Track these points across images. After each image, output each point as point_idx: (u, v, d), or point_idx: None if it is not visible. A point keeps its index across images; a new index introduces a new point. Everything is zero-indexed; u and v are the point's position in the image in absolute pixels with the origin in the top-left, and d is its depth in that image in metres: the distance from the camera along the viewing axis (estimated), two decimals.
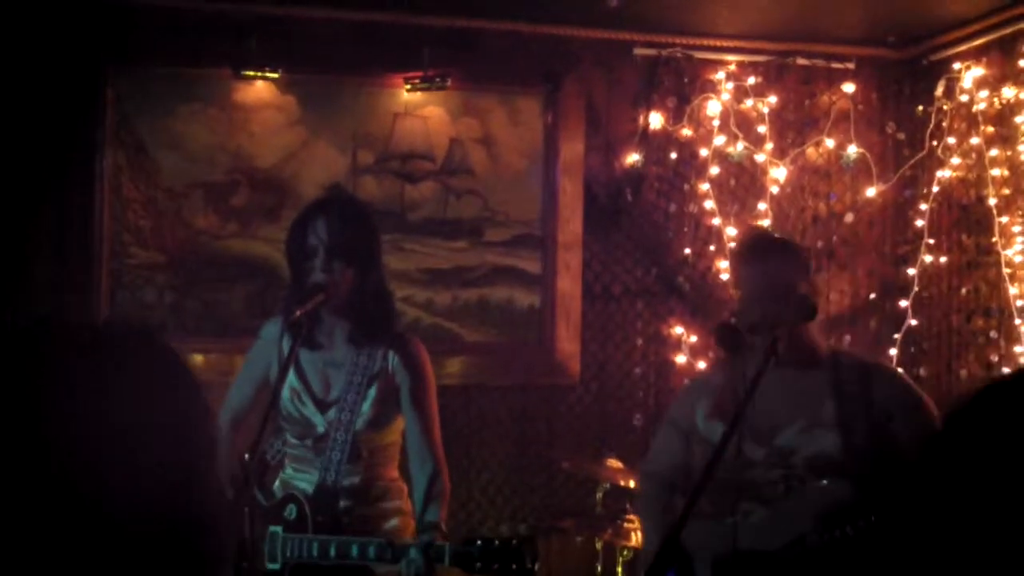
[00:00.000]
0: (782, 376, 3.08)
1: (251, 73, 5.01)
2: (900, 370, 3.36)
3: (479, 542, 2.91)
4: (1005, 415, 1.26)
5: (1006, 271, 4.89)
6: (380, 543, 3.02)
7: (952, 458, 1.31)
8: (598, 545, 4.69)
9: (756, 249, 3.27)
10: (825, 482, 3.01)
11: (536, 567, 2.89)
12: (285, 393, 3.27)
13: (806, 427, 3.11)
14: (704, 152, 5.46)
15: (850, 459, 3.03)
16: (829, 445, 3.06)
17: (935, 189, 5.34)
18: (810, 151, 5.61)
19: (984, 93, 5.05)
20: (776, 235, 3.62)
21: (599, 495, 4.68)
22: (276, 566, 3.10)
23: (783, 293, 3.09)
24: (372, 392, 3.29)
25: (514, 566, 2.87)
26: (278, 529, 3.13)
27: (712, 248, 5.48)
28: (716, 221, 5.47)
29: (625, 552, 4.54)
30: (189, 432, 1.10)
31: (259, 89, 5.12)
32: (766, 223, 5.49)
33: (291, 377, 3.26)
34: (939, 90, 5.31)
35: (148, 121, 5.03)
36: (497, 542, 2.91)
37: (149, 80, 5.03)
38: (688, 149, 5.48)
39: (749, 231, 3.99)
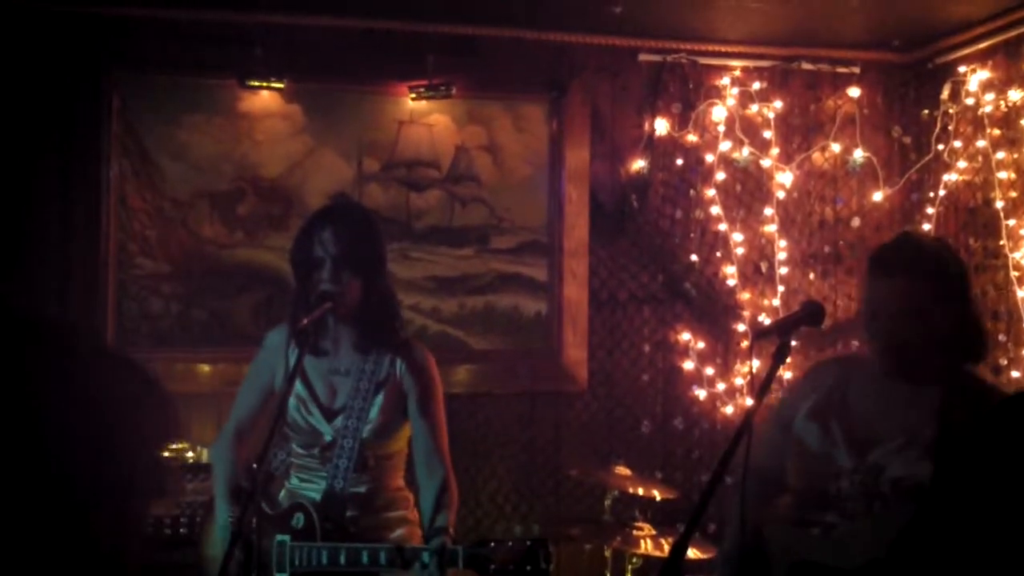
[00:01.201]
0: (892, 389, 2.98)
1: (256, 82, 5.01)
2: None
3: (492, 544, 2.90)
4: None
5: (1014, 274, 4.87)
6: (391, 548, 3.01)
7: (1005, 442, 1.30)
8: (607, 553, 4.67)
9: (892, 259, 2.96)
10: (908, 507, 2.87)
11: (550, 567, 2.87)
12: (291, 402, 3.26)
13: (902, 446, 2.96)
14: (710, 158, 5.46)
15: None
16: (920, 470, 2.87)
17: (942, 193, 5.33)
18: (816, 156, 5.60)
19: (990, 96, 5.04)
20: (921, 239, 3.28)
21: (607, 502, 4.66)
22: (284, 575, 3.09)
23: (922, 315, 2.87)
24: (379, 399, 3.28)
25: (528, 567, 2.86)
26: (286, 538, 3.12)
27: (719, 254, 5.47)
28: (722, 227, 5.46)
29: (634, 560, 4.53)
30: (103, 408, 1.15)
31: (264, 98, 5.12)
32: (773, 228, 5.48)
33: (297, 386, 3.26)
34: (945, 93, 5.30)
35: (153, 131, 5.04)
36: (511, 543, 2.90)
37: (154, 90, 5.04)
38: (694, 155, 5.47)
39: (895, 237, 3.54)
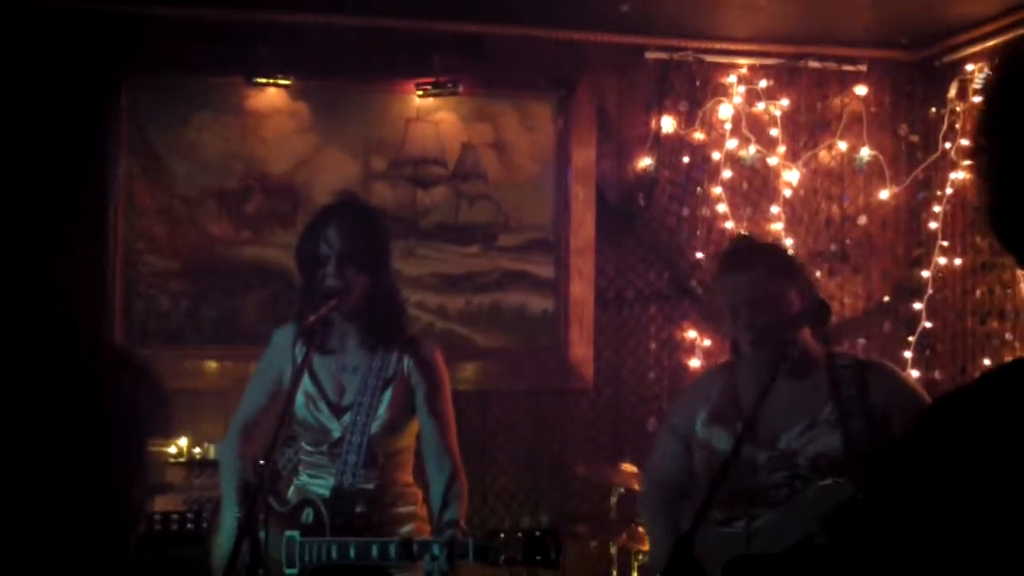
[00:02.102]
0: (779, 382, 3.08)
1: (263, 80, 5.03)
2: (896, 367, 3.33)
3: (502, 535, 2.91)
4: (989, 402, 1.26)
5: (1020, 273, 4.87)
6: (400, 542, 3.01)
7: (935, 442, 1.31)
8: (612, 550, 4.68)
9: (738, 257, 3.24)
10: (828, 481, 3.00)
11: (559, 557, 2.88)
12: (300, 399, 3.27)
13: (807, 428, 3.10)
14: (716, 156, 5.46)
15: (851, 458, 3.02)
16: (830, 445, 3.04)
17: (948, 191, 5.33)
18: (823, 154, 5.60)
19: None
20: (756, 241, 3.59)
21: (613, 500, 4.67)
22: (294, 571, 3.10)
23: (774, 299, 3.09)
24: (387, 396, 3.29)
25: (538, 557, 2.87)
26: (295, 534, 3.13)
27: None
28: (729, 224, 5.46)
29: (640, 556, 4.54)
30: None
31: (271, 96, 5.13)
32: (779, 226, 5.48)
33: (305, 383, 3.27)
34: (952, 92, 5.30)
35: (161, 129, 5.06)
36: (520, 534, 2.90)
37: (162, 89, 5.06)
38: (700, 153, 5.48)
39: (732, 240, 3.95)
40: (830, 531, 2.92)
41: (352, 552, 3.04)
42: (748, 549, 3.02)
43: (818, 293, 3.29)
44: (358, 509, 3.24)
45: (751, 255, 3.20)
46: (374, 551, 3.01)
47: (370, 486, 3.28)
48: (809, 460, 3.07)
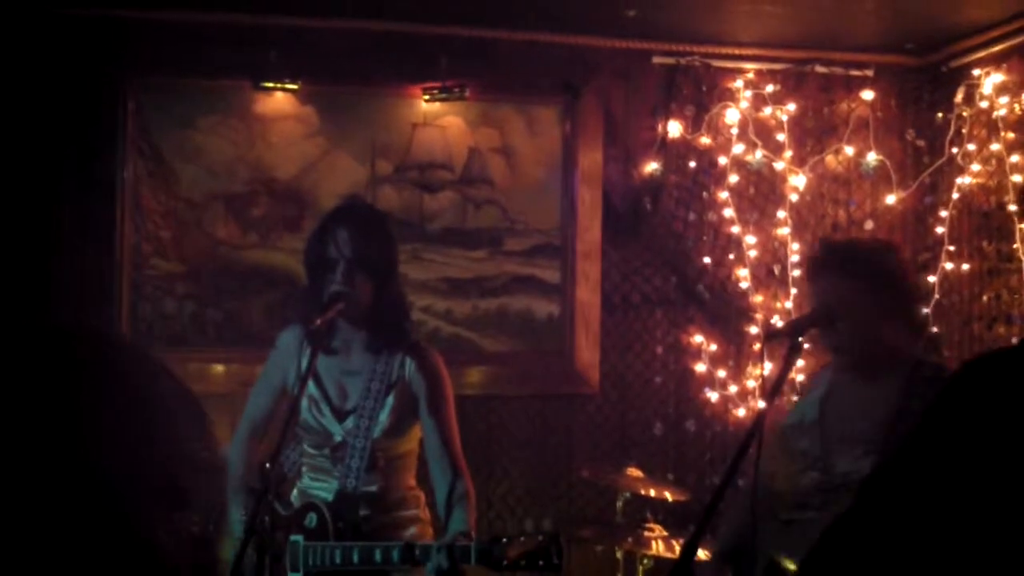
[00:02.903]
0: (858, 388, 3.11)
1: (270, 85, 5.04)
2: None
3: (504, 540, 2.90)
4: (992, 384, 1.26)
5: None
6: (404, 546, 3.01)
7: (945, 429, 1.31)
8: (618, 554, 4.68)
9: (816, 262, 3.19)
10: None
11: (562, 562, 2.87)
12: (304, 402, 3.28)
13: (856, 443, 3.07)
14: (723, 160, 5.46)
15: None
16: (867, 465, 3.00)
17: (955, 196, 5.31)
18: (829, 159, 5.60)
19: (1004, 99, 5.03)
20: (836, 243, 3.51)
21: (619, 504, 4.66)
22: (298, 575, 3.10)
23: (849, 304, 3.05)
24: (390, 400, 3.30)
25: (541, 562, 2.86)
26: (299, 538, 3.13)
27: (731, 256, 5.46)
28: (735, 229, 5.46)
29: (645, 561, 4.53)
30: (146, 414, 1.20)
31: (278, 100, 5.14)
32: (786, 231, 5.48)
33: (310, 386, 3.27)
34: (959, 96, 5.29)
35: (168, 133, 5.07)
36: (523, 538, 2.90)
37: (169, 92, 5.07)
38: (707, 158, 5.47)
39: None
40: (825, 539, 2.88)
41: (356, 556, 3.04)
42: (791, 550, 3.01)
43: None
44: (362, 512, 3.25)
45: (827, 259, 3.15)
46: (377, 555, 3.02)
47: (373, 489, 3.28)
48: (843, 474, 3.04)
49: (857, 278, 3.09)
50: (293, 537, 3.13)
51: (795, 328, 3.00)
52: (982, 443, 1.28)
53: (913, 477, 1.36)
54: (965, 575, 1.26)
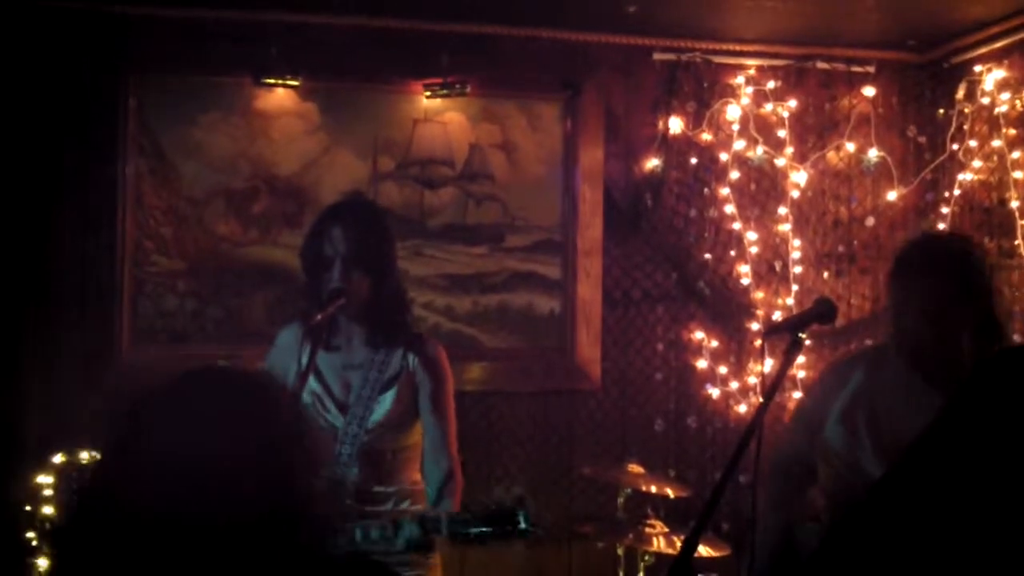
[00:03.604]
0: (918, 392, 2.95)
1: (271, 81, 5.04)
2: None
3: (475, 508, 2.90)
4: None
5: None
6: (382, 524, 3.01)
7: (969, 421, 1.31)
8: (619, 550, 4.68)
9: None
10: None
11: (531, 527, 2.85)
12: (307, 399, 3.28)
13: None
14: (724, 157, 5.45)
15: None
16: None
17: (956, 192, 5.31)
18: (830, 155, 5.60)
19: (1006, 95, 5.03)
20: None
21: (620, 500, 4.67)
22: None
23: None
24: (391, 394, 3.30)
25: (509, 527, 2.85)
26: None
27: (733, 253, 5.46)
28: (736, 226, 5.46)
29: (647, 557, 4.53)
30: (277, 446, 1.23)
31: (280, 96, 5.14)
32: (787, 227, 5.48)
33: (311, 382, 3.27)
34: (960, 93, 5.29)
35: (169, 129, 5.06)
36: (493, 506, 2.89)
37: (170, 88, 5.07)
38: (708, 154, 5.47)
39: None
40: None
41: (339, 538, 3.04)
42: None
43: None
44: (368, 508, 3.25)
45: (936, 258, 2.95)
46: (358, 535, 3.01)
47: (373, 482, 3.28)
48: None
49: (974, 293, 2.93)
50: None
51: (796, 324, 2.98)
52: (996, 441, 1.28)
53: (928, 475, 1.36)
54: (978, 570, 1.26)
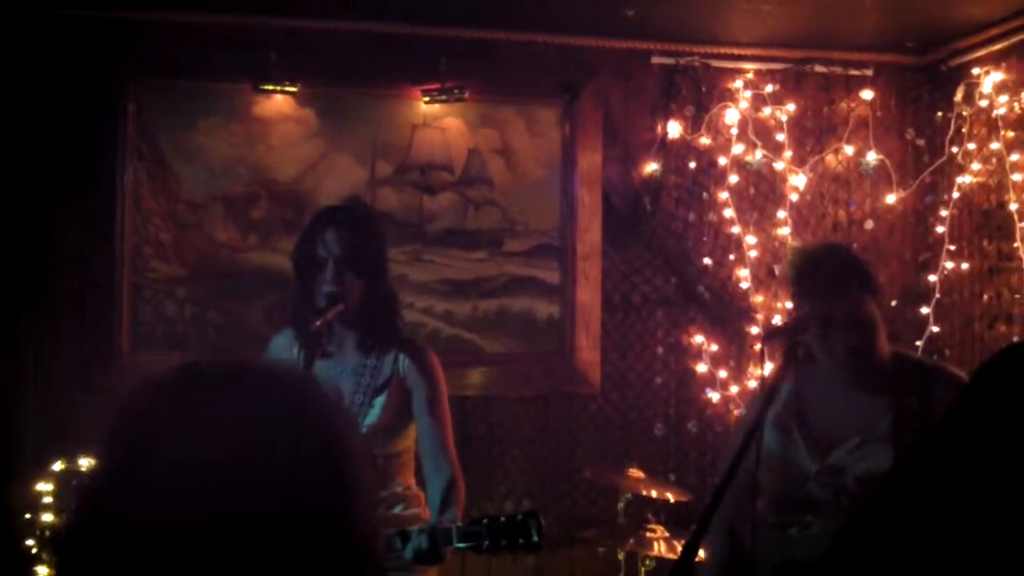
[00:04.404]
0: (846, 388, 3.11)
1: (270, 87, 5.04)
2: (963, 374, 3.23)
3: (485, 520, 2.90)
4: None
5: None
6: (388, 533, 3.01)
7: (981, 413, 1.31)
8: (620, 555, 4.67)
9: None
10: None
11: (541, 539, 2.87)
12: None
13: (861, 443, 3.06)
14: (723, 160, 5.46)
15: None
16: (882, 462, 2.99)
17: (955, 195, 5.31)
18: (829, 158, 5.60)
19: (1004, 98, 5.03)
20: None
21: (621, 505, 4.66)
22: None
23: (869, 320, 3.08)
24: (382, 399, 3.30)
25: (521, 540, 2.86)
26: None
27: (732, 257, 5.46)
28: (736, 230, 5.46)
29: (648, 562, 4.53)
30: (330, 444, 1.19)
31: (278, 102, 5.14)
32: (786, 231, 5.48)
33: None
34: (958, 95, 5.29)
35: (168, 135, 5.07)
36: (503, 518, 2.90)
37: (169, 94, 5.07)
38: (707, 158, 5.47)
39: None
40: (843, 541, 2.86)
41: None
42: (797, 555, 3.00)
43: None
44: None
45: (839, 271, 3.12)
46: None
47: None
48: (857, 478, 3.02)
49: (867, 288, 3.10)
50: None
51: (795, 328, 2.99)
52: (1001, 442, 1.28)
53: (933, 477, 1.36)
54: (987, 568, 1.26)
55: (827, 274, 3.10)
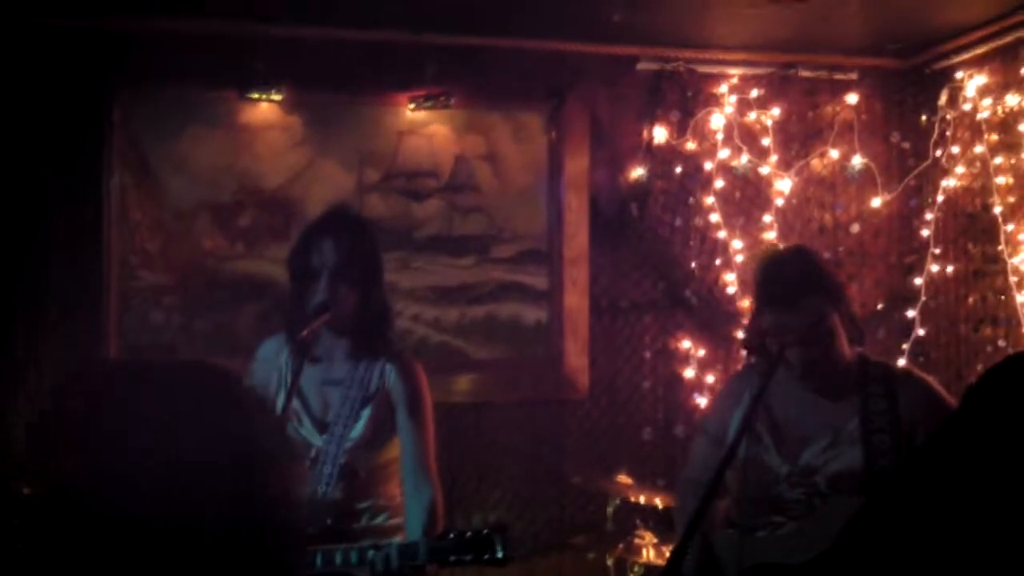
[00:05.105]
0: (812, 391, 3.13)
1: (256, 95, 5.03)
2: (929, 377, 3.26)
3: (451, 535, 2.91)
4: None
5: (1013, 279, 4.88)
6: (362, 546, 3.02)
7: (973, 427, 1.32)
8: (609, 561, 4.67)
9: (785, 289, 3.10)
10: (847, 499, 2.97)
11: (507, 555, 2.88)
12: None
13: (830, 444, 3.08)
14: (709, 165, 5.47)
15: (873, 475, 2.98)
16: (852, 462, 3.02)
17: (940, 198, 5.34)
18: (815, 162, 5.62)
19: (987, 101, 5.06)
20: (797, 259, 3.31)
21: (610, 510, 4.66)
22: None
23: (829, 331, 3.08)
24: (367, 412, 3.29)
25: (486, 556, 2.87)
26: None
27: (718, 261, 5.48)
28: (722, 234, 5.47)
29: (636, 567, 4.53)
30: (246, 448, 1.18)
31: (264, 110, 5.14)
32: (772, 235, 5.49)
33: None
34: (942, 99, 5.32)
35: (154, 143, 5.05)
36: (469, 533, 2.91)
37: (155, 102, 5.06)
38: (693, 163, 5.49)
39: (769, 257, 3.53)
40: (842, 543, 2.89)
41: (319, 559, 3.04)
42: (767, 557, 3.01)
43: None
44: (355, 526, 3.25)
45: (799, 286, 3.08)
46: (338, 558, 3.02)
47: (353, 499, 3.28)
48: (829, 479, 3.04)
49: (834, 299, 3.11)
50: None
51: (749, 339, 3.02)
52: (1001, 450, 1.29)
53: (933, 485, 1.37)
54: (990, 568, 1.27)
55: (787, 286, 3.08)
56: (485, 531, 2.91)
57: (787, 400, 3.15)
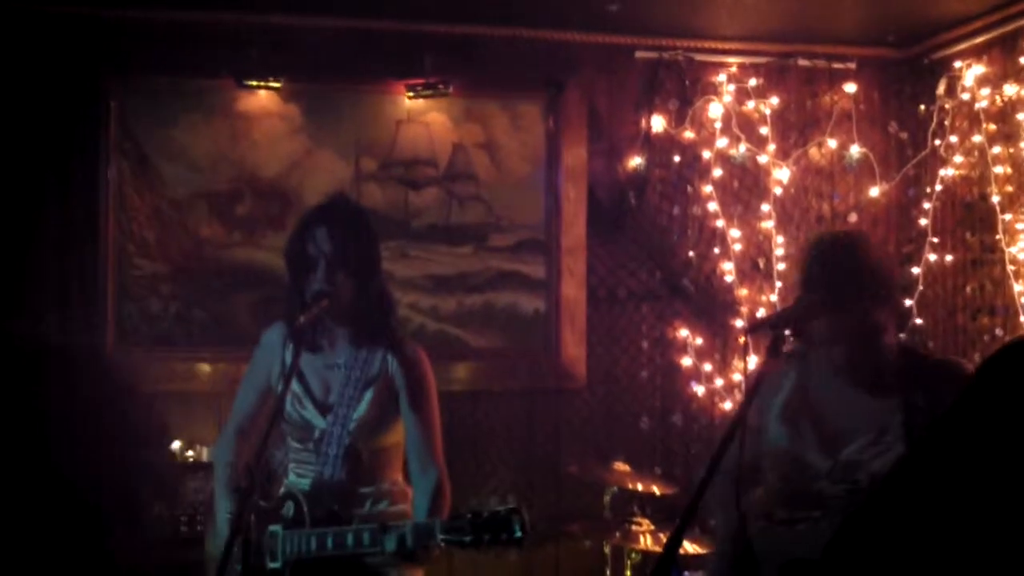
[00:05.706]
0: (853, 386, 3.07)
1: (253, 83, 5.03)
2: (970, 365, 3.19)
3: (468, 515, 2.90)
4: None
5: (1010, 268, 4.88)
6: (373, 528, 3.02)
7: (985, 406, 1.32)
8: (606, 549, 4.69)
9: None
10: None
11: (524, 536, 2.87)
12: (287, 397, 3.27)
13: (872, 442, 3.03)
14: (707, 154, 5.47)
15: None
16: (894, 459, 2.99)
17: (938, 188, 5.34)
18: (813, 152, 5.62)
19: (986, 91, 5.05)
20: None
21: (607, 499, 4.67)
22: (277, 564, 3.10)
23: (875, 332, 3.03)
24: (369, 394, 3.29)
25: (504, 535, 2.86)
26: (277, 528, 3.13)
27: (716, 250, 5.48)
28: (720, 223, 5.47)
29: (633, 555, 4.54)
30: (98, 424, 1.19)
31: (262, 99, 5.13)
32: (770, 224, 5.49)
33: (293, 382, 3.27)
34: (941, 88, 5.31)
35: (151, 132, 5.05)
36: (486, 514, 2.90)
37: (152, 91, 5.05)
38: (691, 152, 5.49)
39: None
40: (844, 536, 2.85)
41: (330, 542, 3.05)
42: (806, 551, 2.99)
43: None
44: (357, 511, 3.25)
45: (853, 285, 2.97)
46: (349, 539, 3.02)
47: (357, 483, 3.28)
48: (870, 476, 3.01)
49: (885, 296, 3.03)
50: (272, 528, 3.13)
51: (779, 320, 2.98)
52: (1003, 438, 1.29)
53: (936, 473, 1.37)
54: (992, 563, 1.27)
55: (837, 285, 2.97)
56: (502, 511, 2.89)
57: (829, 395, 3.10)
